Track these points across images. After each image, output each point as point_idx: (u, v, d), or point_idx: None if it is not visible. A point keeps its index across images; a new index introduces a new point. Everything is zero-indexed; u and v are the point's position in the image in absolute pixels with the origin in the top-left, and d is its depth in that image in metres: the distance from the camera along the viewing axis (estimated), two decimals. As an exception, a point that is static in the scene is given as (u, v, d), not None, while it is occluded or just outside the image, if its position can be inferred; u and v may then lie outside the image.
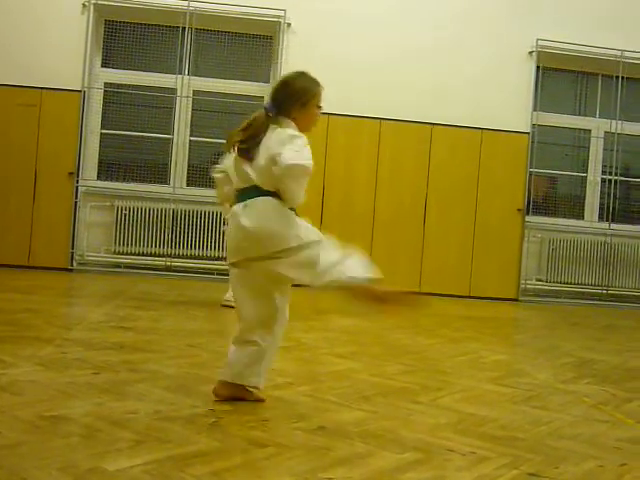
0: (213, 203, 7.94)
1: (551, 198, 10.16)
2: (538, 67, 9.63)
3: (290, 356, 4.23)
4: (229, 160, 3.66)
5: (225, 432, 2.52)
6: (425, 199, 9.31)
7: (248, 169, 2.93)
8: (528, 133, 9.55)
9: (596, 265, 9.82)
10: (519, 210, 9.52)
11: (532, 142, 9.58)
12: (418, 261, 9.24)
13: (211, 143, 9.29)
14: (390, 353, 4.63)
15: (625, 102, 9.92)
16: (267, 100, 3.13)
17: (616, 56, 9.66)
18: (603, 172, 10.12)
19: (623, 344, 6.23)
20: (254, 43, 9.50)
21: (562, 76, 10.16)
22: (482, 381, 3.83)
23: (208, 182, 8.19)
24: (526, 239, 9.64)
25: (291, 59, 9.15)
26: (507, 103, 9.45)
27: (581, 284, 9.79)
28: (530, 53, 9.56)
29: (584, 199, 10.19)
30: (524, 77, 9.57)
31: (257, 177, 2.91)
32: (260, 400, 3.00)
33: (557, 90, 10.16)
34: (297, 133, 3.03)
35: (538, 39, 9.46)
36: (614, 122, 9.88)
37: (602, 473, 2.39)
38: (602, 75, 10.10)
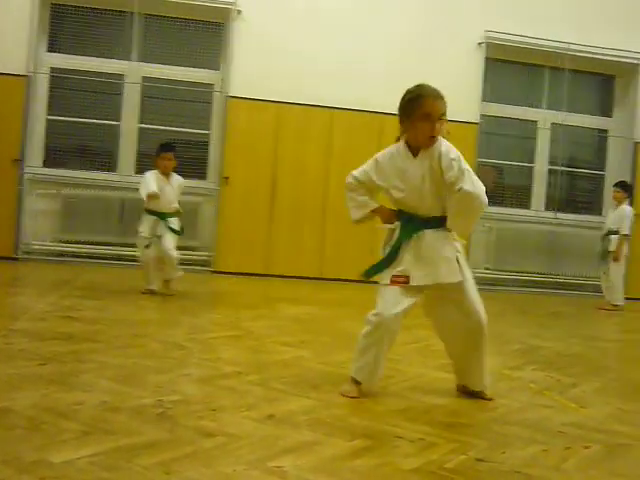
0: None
1: (499, 188, 10.29)
2: (487, 58, 9.73)
3: (239, 345, 4.22)
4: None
5: (173, 422, 2.50)
6: (375, 188, 9.35)
7: None
8: (477, 123, 9.66)
9: (542, 254, 10.00)
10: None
11: (480, 132, 9.70)
12: (370, 248, 9.26)
13: (161, 130, 9.17)
14: (340, 341, 4.64)
15: (571, 94, 10.10)
16: None
17: (563, 48, 9.82)
18: (549, 163, 10.30)
19: (568, 331, 6.37)
20: (205, 30, 9.40)
21: (510, 67, 10.28)
22: (431, 368, 3.87)
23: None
24: (474, 229, 9.75)
25: (242, 47, 9.10)
26: (456, 94, 9.39)
27: (528, 272, 9.96)
28: (479, 44, 9.66)
29: (531, 189, 10.36)
30: (473, 68, 9.67)
31: None
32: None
33: (505, 81, 10.29)
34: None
35: (487, 31, 9.56)
36: (560, 113, 10.05)
37: (547, 457, 2.44)
38: (549, 67, 10.26)
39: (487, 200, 3.06)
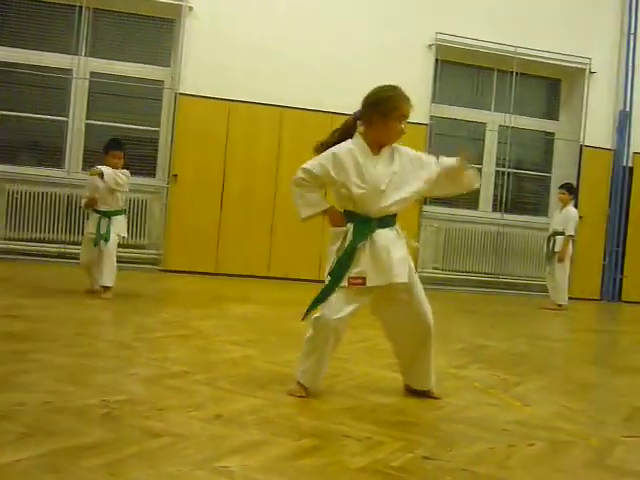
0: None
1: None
2: (437, 60, 9.83)
3: (186, 344, 4.18)
4: None
5: (119, 423, 2.46)
6: (326, 189, 9.34)
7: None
8: (426, 124, 9.74)
9: (489, 254, 10.15)
10: (416, 200, 9.69)
11: (430, 133, 9.79)
12: (318, 247, 9.27)
13: (109, 127, 9.03)
14: (287, 340, 4.64)
15: (519, 97, 10.26)
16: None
17: (511, 52, 9.97)
18: (497, 164, 10.45)
19: (513, 330, 6.47)
20: (155, 26, 9.32)
21: (460, 70, 10.41)
22: (377, 367, 3.89)
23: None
24: (423, 228, 9.85)
25: (193, 44, 9.02)
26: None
27: (475, 272, 10.10)
28: (429, 46, 9.75)
29: (479, 190, 10.49)
30: (423, 69, 9.75)
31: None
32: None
33: (455, 83, 10.41)
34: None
35: (437, 33, 9.65)
36: (508, 116, 10.21)
37: (492, 454, 2.47)
38: (497, 70, 10.41)
39: None
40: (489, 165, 10.49)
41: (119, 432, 2.35)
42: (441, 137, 10.04)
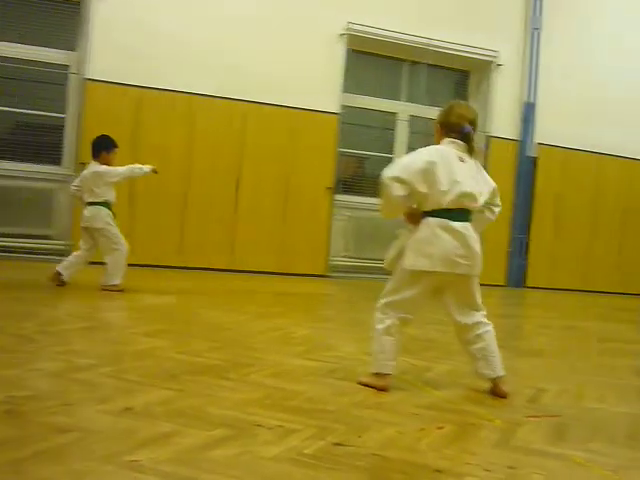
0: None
1: (359, 178, 10.50)
2: (348, 50, 9.88)
3: (93, 336, 4.09)
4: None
5: (24, 419, 2.38)
6: (237, 177, 9.30)
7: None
8: (337, 114, 9.80)
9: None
10: (328, 189, 9.76)
11: (341, 123, 9.85)
12: (231, 239, 9.24)
13: (12, 113, 8.70)
14: (199, 330, 4.60)
15: (429, 88, 10.44)
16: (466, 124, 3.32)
17: (421, 44, 10.12)
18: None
19: (423, 317, 6.57)
20: (61, 9, 9.01)
21: (371, 60, 10.49)
22: (290, 356, 3.90)
23: (18, 156, 7.75)
24: (335, 217, 9.92)
25: (101, 28, 8.78)
26: (317, 84, 9.63)
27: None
28: (341, 35, 9.78)
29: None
30: (334, 59, 9.79)
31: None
32: None
33: (366, 73, 10.49)
34: None
35: (349, 22, 9.70)
36: (419, 106, 10.37)
37: (402, 438, 2.51)
38: (408, 61, 10.55)
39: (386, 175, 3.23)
40: (400, 155, 10.63)
41: (24, 429, 2.28)
42: (352, 127, 10.12)
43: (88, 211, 6.44)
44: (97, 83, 8.80)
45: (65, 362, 3.29)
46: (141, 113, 8.99)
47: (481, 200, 3.30)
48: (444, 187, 3.17)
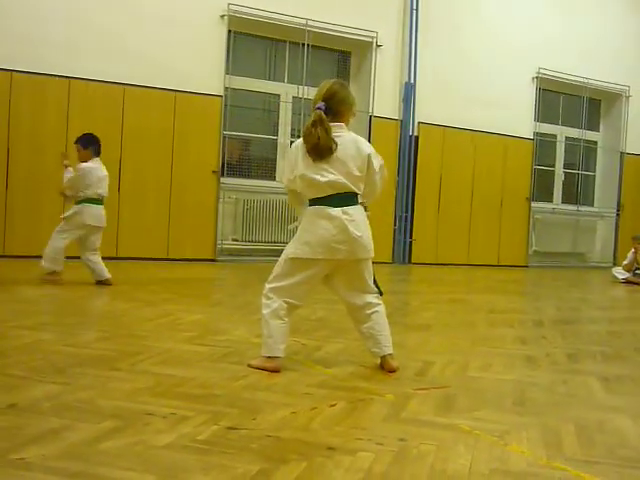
0: None
1: (245, 160, 10.45)
2: (230, 31, 9.77)
3: (-27, 332, 3.91)
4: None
5: None
6: (119, 162, 9.05)
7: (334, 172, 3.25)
8: (220, 96, 9.69)
9: (287, 224, 10.33)
10: (214, 172, 9.67)
11: (225, 105, 9.75)
12: (114, 227, 8.99)
13: None
14: (85, 321, 4.49)
15: (311, 69, 10.48)
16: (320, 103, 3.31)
17: (302, 25, 10.13)
18: (292, 135, 10.63)
19: (312, 296, 6.63)
20: None
21: (253, 41, 10.42)
22: (180, 342, 3.86)
23: None
24: (221, 200, 9.84)
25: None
26: (200, 66, 9.49)
27: (274, 242, 10.22)
28: (222, 17, 9.66)
29: (275, 161, 10.64)
30: (216, 41, 9.66)
31: (349, 181, 3.28)
32: None
33: (249, 55, 10.42)
34: None
35: (229, 3, 9.59)
36: (301, 87, 10.40)
37: (295, 418, 2.54)
38: (290, 42, 10.55)
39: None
40: (284, 136, 10.64)
41: None
42: (235, 109, 10.04)
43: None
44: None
45: (-59, 360, 3.14)
46: (13, 98, 8.56)
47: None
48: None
